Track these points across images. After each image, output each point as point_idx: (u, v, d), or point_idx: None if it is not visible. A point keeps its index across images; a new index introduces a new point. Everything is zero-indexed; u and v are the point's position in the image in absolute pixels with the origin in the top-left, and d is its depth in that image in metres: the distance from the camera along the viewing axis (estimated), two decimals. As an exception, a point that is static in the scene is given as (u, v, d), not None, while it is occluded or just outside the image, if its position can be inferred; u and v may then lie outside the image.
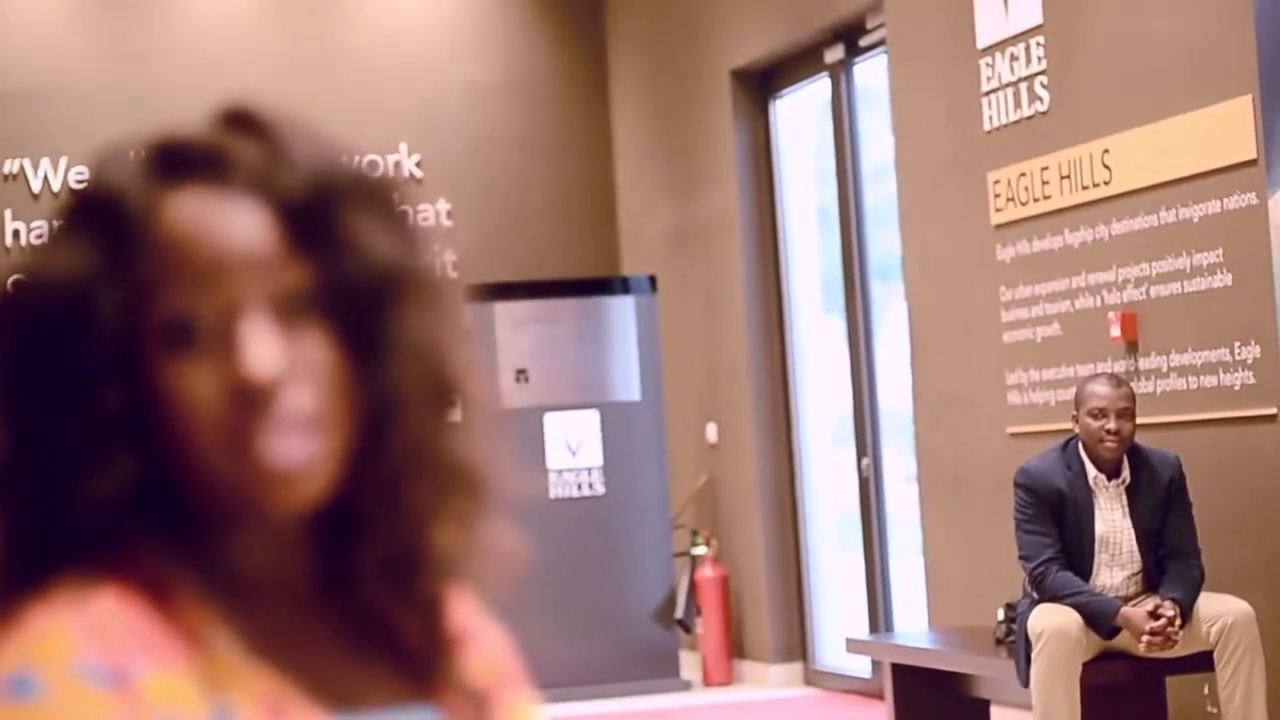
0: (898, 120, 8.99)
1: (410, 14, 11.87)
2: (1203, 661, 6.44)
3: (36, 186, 11.26)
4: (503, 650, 1.40)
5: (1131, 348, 7.43)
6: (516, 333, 10.55)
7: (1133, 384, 6.93)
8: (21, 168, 11.30)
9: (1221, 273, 6.98)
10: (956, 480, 8.57)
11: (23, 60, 11.29)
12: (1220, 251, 6.97)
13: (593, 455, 10.58)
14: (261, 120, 1.30)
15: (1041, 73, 7.91)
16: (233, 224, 1.25)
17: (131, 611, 1.22)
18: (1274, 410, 6.78)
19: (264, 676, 1.25)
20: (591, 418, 10.60)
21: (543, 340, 10.61)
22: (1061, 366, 7.82)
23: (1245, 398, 6.90)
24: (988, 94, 8.24)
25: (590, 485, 10.57)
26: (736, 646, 10.70)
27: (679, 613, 10.55)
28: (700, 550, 10.69)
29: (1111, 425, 6.55)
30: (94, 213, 1.27)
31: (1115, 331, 7.45)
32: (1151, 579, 6.62)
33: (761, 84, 10.67)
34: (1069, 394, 7.17)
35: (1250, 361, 6.88)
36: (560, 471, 10.52)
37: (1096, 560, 6.62)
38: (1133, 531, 6.62)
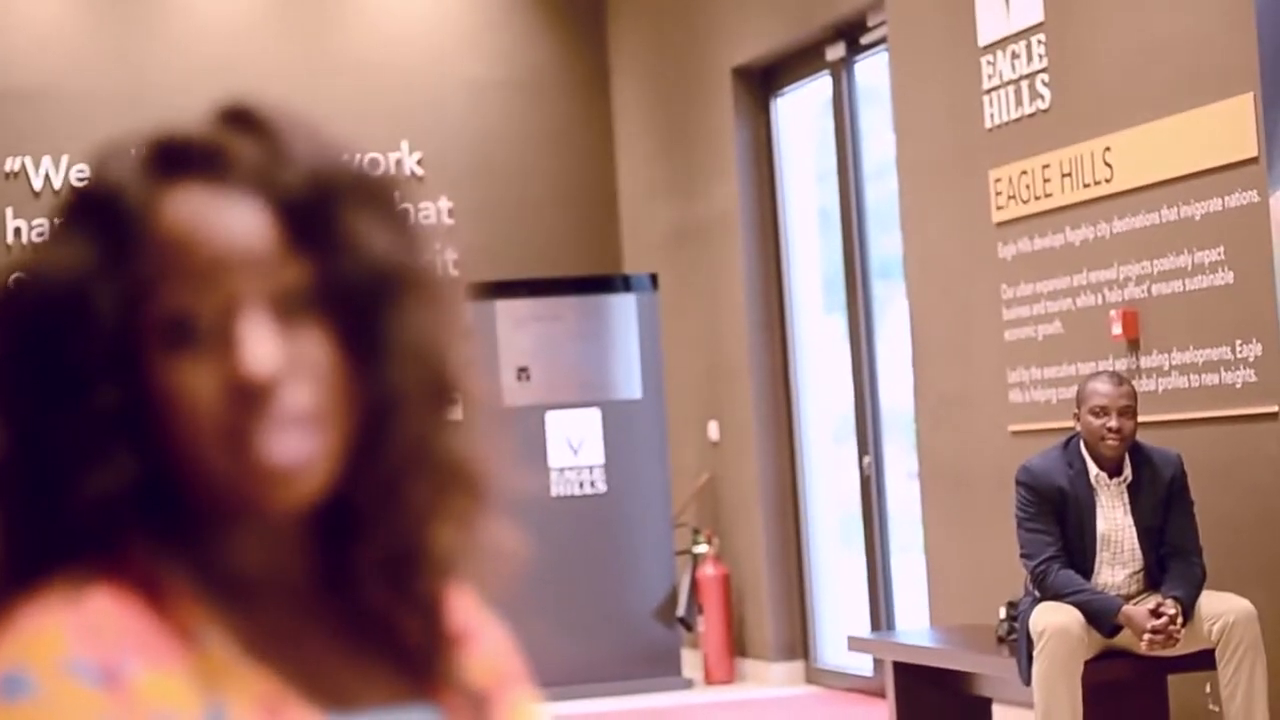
0: (899, 118, 8.99)
1: (412, 12, 11.87)
2: (1204, 660, 6.44)
3: (38, 184, 11.26)
4: (504, 649, 1.40)
5: (1133, 346, 7.42)
6: (518, 331, 10.55)
7: (1134, 382, 6.93)
8: (23, 166, 11.30)
9: (1223, 271, 6.98)
10: (958, 478, 8.57)
11: (24, 59, 11.29)
12: (1221, 249, 6.97)
13: (594, 454, 10.58)
14: (261, 118, 1.30)
15: (1043, 71, 7.90)
16: (231, 221, 1.25)
17: (126, 610, 1.22)
18: (1275, 408, 6.77)
19: (260, 676, 1.24)
20: (593, 416, 10.60)
21: (544, 338, 10.61)
22: (1063, 364, 7.82)
23: (1247, 396, 6.90)
24: (989, 92, 8.24)
25: (592, 484, 10.57)
26: (738, 645, 10.70)
27: (680, 611, 10.55)
28: (701, 548, 10.69)
29: (1113, 423, 6.55)
30: (93, 210, 1.26)
31: (1117, 329, 7.45)
32: (1153, 577, 6.62)
33: (763, 82, 10.66)
34: (1070, 392, 7.17)
35: (1252, 359, 6.88)
36: (562, 470, 10.52)
37: (1098, 559, 6.62)
38: (1134, 530, 6.61)
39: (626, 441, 10.60)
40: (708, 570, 10.62)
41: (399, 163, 11.65)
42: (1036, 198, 7.95)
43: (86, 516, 1.23)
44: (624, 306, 10.74)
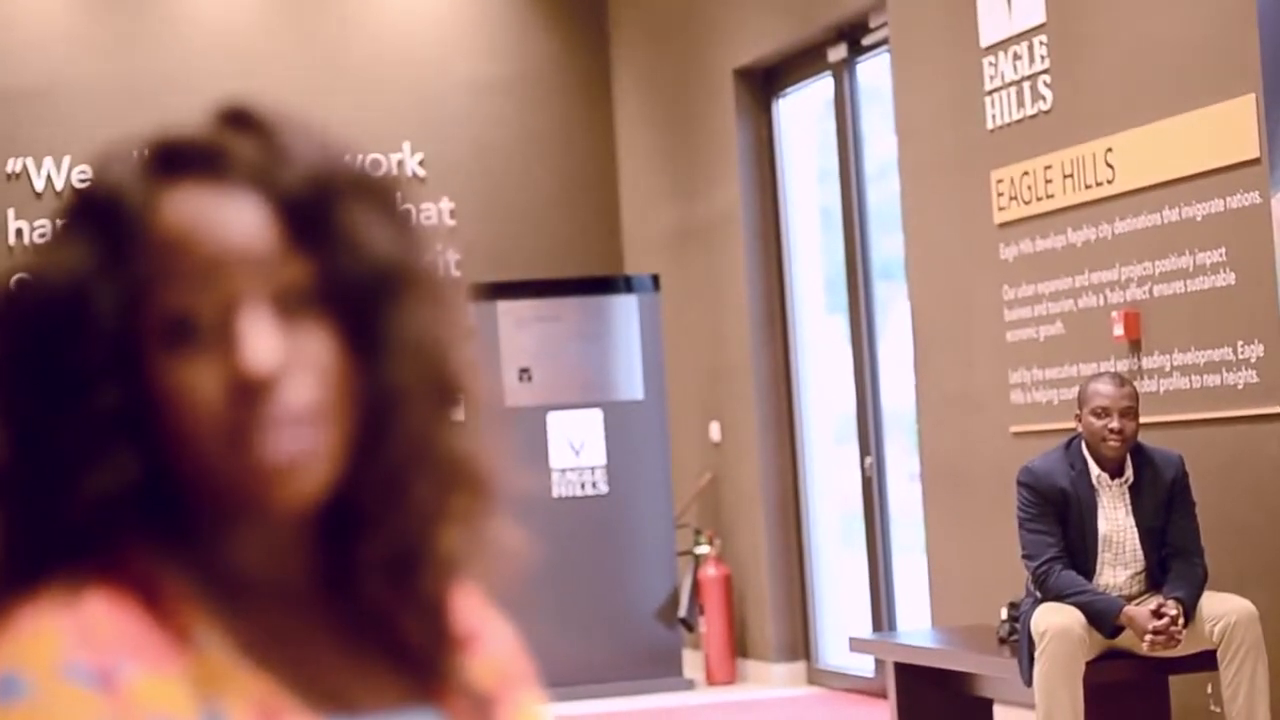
0: (900, 119, 8.99)
1: (413, 12, 11.87)
2: (1206, 661, 6.44)
3: (39, 185, 11.25)
4: (510, 650, 1.39)
5: (1134, 347, 7.42)
6: (519, 331, 10.55)
7: (1136, 383, 6.93)
8: (24, 167, 11.30)
9: (1224, 272, 6.98)
10: (960, 479, 8.57)
11: (25, 59, 11.29)
12: (1223, 250, 6.97)
13: (596, 454, 10.58)
14: (259, 118, 1.30)
15: (1044, 71, 7.90)
16: (231, 220, 1.25)
17: (123, 612, 1.22)
18: (1277, 409, 6.77)
19: (258, 680, 1.24)
20: (595, 417, 10.60)
21: (546, 339, 10.61)
22: (1064, 365, 7.82)
23: (1248, 397, 6.90)
24: (990, 93, 8.24)
25: (594, 484, 10.57)
26: (740, 645, 10.70)
27: (682, 612, 10.55)
28: (703, 549, 10.69)
29: (1115, 424, 6.55)
30: (92, 212, 1.27)
31: (1118, 330, 7.45)
32: (1155, 578, 6.62)
33: (764, 83, 10.66)
34: (1072, 393, 7.17)
35: (1253, 360, 6.88)
36: (563, 471, 10.52)
37: (1100, 559, 6.62)
38: (1136, 530, 6.61)
39: (628, 442, 10.60)
40: (709, 571, 10.61)
41: (400, 163, 11.65)
42: (1038, 198, 7.95)
43: (86, 517, 1.23)
44: (626, 307, 10.74)
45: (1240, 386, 6.94)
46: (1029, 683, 6.51)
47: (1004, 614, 7.25)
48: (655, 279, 10.90)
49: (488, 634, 1.38)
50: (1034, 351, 8.02)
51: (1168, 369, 7.27)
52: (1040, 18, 7.91)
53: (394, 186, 1.32)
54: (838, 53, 9.89)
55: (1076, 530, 6.61)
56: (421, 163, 11.76)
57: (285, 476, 1.23)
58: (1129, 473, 6.62)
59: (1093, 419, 6.59)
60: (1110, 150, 7.52)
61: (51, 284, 1.25)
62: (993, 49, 8.22)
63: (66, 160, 11.24)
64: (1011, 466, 7.06)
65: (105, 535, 1.24)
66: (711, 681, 10.58)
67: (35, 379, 1.24)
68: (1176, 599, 6.42)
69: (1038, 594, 6.59)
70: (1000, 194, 8.18)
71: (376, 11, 11.82)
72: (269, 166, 1.27)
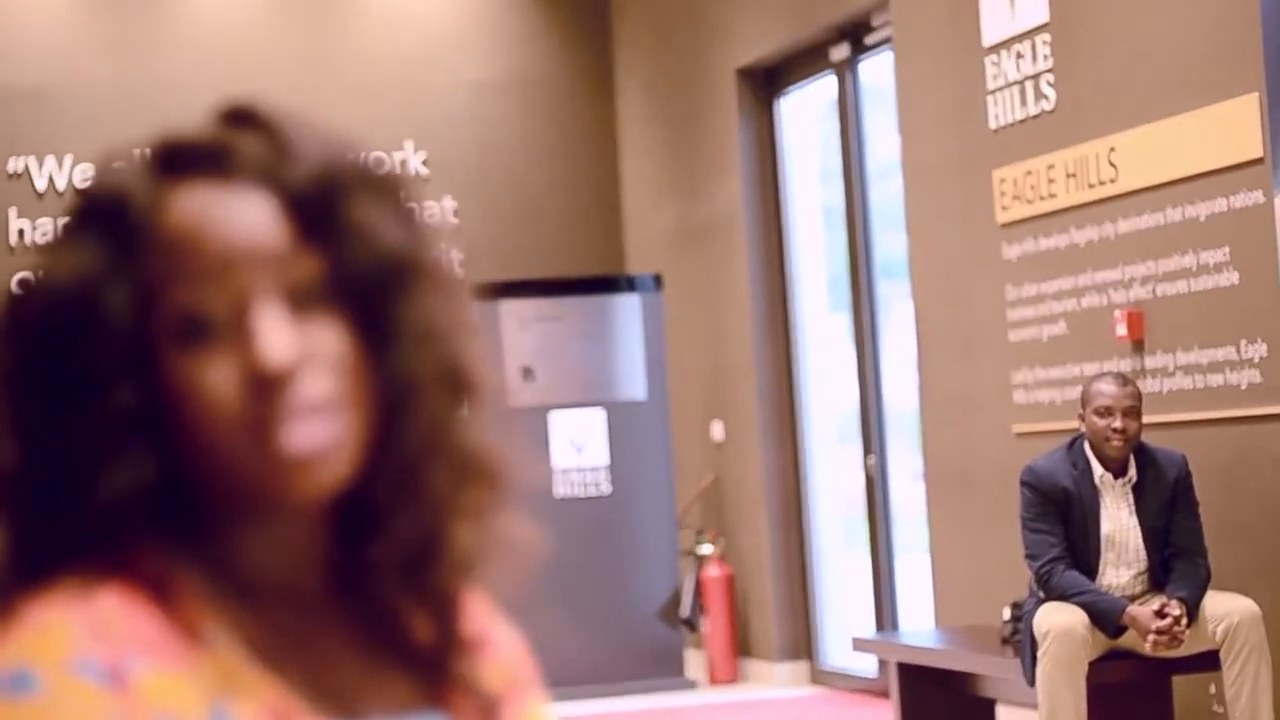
0: (903, 118, 8.99)
1: (416, 12, 11.87)
2: (1209, 661, 6.43)
3: (41, 185, 11.25)
4: (518, 654, 1.40)
5: (1138, 346, 7.42)
6: (522, 331, 10.55)
7: (1139, 383, 6.92)
8: (26, 166, 11.30)
9: (1228, 271, 6.97)
10: (962, 479, 8.56)
11: (27, 58, 11.29)
12: (1226, 250, 6.96)
13: (598, 454, 10.58)
14: (263, 116, 1.31)
15: (1047, 71, 7.90)
16: (240, 217, 1.26)
17: (134, 610, 1.22)
18: (1280, 409, 6.77)
19: (267, 681, 1.24)
20: (597, 416, 10.60)
21: (548, 339, 10.60)
22: (1067, 365, 7.81)
23: (1252, 396, 6.89)
24: (993, 92, 8.23)
25: (596, 484, 10.57)
26: (742, 645, 10.70)
27: (685, 612, 10.55)
28: (706, 549, 10.69)
29: (1118, 424, 6.55)
30: (98, 213, 1.27)
31: (1121, 330, 7.44)
32: (1158, 578, 6.61)
33: (767, 82, 10.66)
34: (1075, 393, 7.16)
35: (1257, 360, 6.87)
36: (566, 471, 10.51)
37: (1103, 559, 6.62)
38: (1139, 530, 6.61)
39: (631, 442, 10.60)
40: (712, 570, 10.61)
41: (403, 163, 11.65)
42: (1041, 198, 7.94)
43: (101, 516, 1.23)
44: (628, 307, 10.74)
45: (1243, 386, 6.93)
46: (1032, 683, 6.51)
47: (1007, 614, 7.24)
48: (658, 278, 10.90)
49: (496, 638, 1.38)
50: (1037, 351, 8.01)
51: (1171, 369, 7.26)
52: (1043, 17, 7.91)
53: (399, 181, 1.32)
54: (840, 52, 9.89)
55: (1079, 530, 6.60)
56: (424, 162, 11.76)
57: (305, 469, 1.24)
58: (1132, 472, 6.62)
59: (1096, 419, 6.59)
60: (1113, 150, 7.51)
61: (61, 286, 1.25)
62: (995, 48, 8.22)
63: (68, 159, 11.24)
64: (1014, 466, 7.06)
65: (118, 533, 1.24)
66: (714, 681, 10.58)
67: (49, 380, 1.24)
68: (1179, 599, 6.42)
69: (1040, 594, 6.58)
70: (1003, 193, 8.18)
71: (379, 11, 11.82)
72: (275, 163, 1.28)
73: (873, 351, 9.80)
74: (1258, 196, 6.80)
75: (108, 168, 1.29)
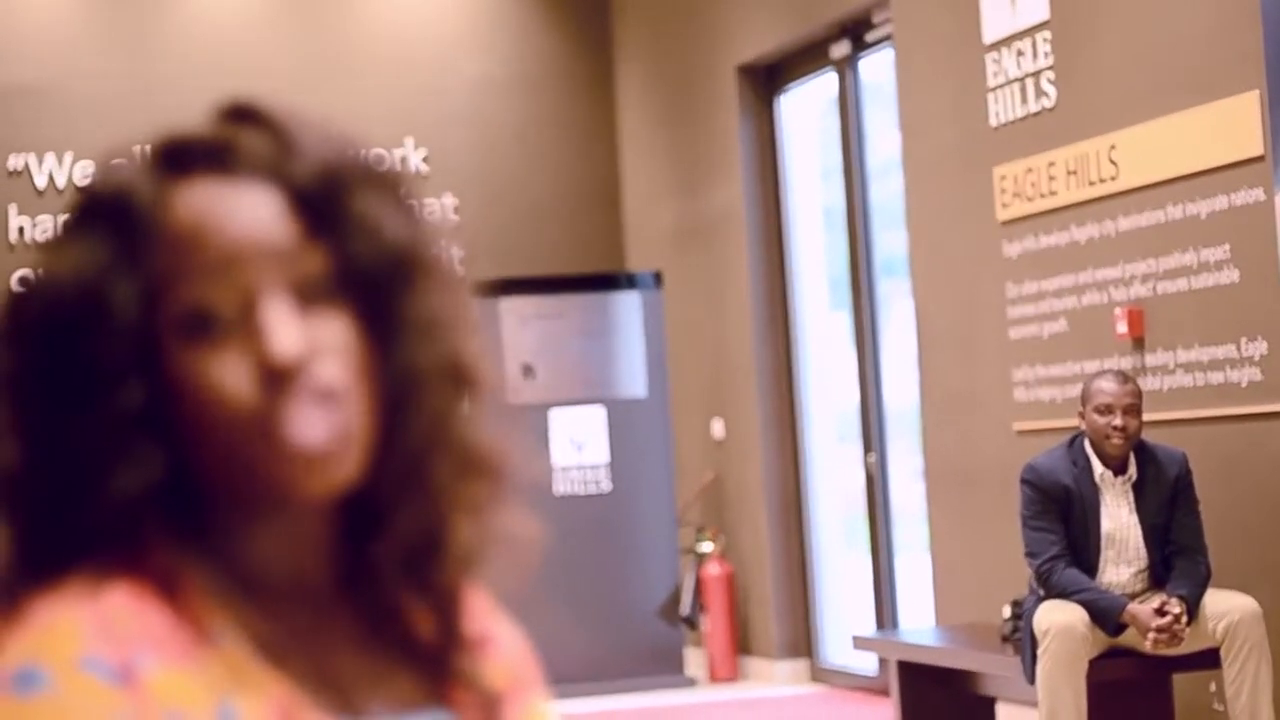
0: (904, 116, 8.98)
1: (416, 9, 11.86)
2: (1209, 659, 6.43)
3: (41, 182, 11.25)
4: (520, 653, 1.40)
5: (1138, 344, 7.42)
6: (522, 328, 10.54)
7: (1139, 380, 6.92)
8: (26, 163, 11.29)
9: (1228, 269, 6.97)
10: (963, 477, 8.56)
11: (27, 55, 11.29)
12: (1227, 247, 6.96)
13: (599, 452, 10.58)
14: (264, 112, 1.31)
15: (1048, 68, 7.89)
16: (246, 212, 1.26)
17: (143, 607, 1.22)
18: (1281, 407, 6.77)
19: (274, 678, 1.24)
20: (598, 414, 10.59)
21: (548, 336, 10.60)
22: (1068, 363, 7.81)
23: (1252, 394, 6.89)
24: (994, 89, 8.23)
25: (596, 482, 10.57)
26: (742, 643, 10.70)
27: (685, 610, 10.55)
28: (706, 547, 10.68)
29: (1118, 422, 6.54)
30: (103, 211, 1.27)
31: (1122, 328, 7.44)
32: (1158, 576, 6.61)
33: (767, 79, 10.66)
34: (1075, 390, 7.16)
35: (1257, 358, 6.87)
36: (566, 468, 10.51)
37: (1103, 557, 6.61)
38: (1139, 528, 6.61)
39: (631, 440, 10.60)
40: (712, 568, 10.61)
41: (404, 159, 11.64)
42: (1041, 195, 7.94)
43: (109, 514, 1.23)
44: (628, 304, 10.73)
45: (1244, 384, 6.93)
46: (1032, 681, 6.51)
47: (1007, 612, 7.24)
48: (658, 276, 10.89)
49: (498, 635, 1.39)
50: (1037, 349, 8.01)
51: (1171, 366, 7.26)
52: (1044, 14, 7.90)
53: (400, 177, 1.33)
54: (841, 49, 9.89)
55: (1079, 528, 6.60)
56: (425, 159, 11.76)
57: (316, 464, 1.24)
58: (1132, 470, 6.62)
59: (1096, 416, 6.58)
60: (1114, 147, 7.51)
61: (66, 283, 1.25)
62: (996, 45, 8.21)
63: (68, 157, 11.24)
64: (1014, 464, 7.05)
65: (126, 531, 1.24)
66: (714, 679, 10.58)
67: (55, 378, 1.24)
68: (1180, 597, 6.42)
69: (1041, 592, 6.58)
70: (1003, 191, 8.17)
71: (380, 8, 11.82)
72: (279, 159, 1.28)
73: (873, 349, 9.79)
74: (1258, 194, 6.80)
75: (110, 165, 1.29)
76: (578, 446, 10.56)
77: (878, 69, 9.78)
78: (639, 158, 11.93)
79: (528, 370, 10.50)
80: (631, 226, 12.06)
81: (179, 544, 1.26)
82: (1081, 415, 6.67)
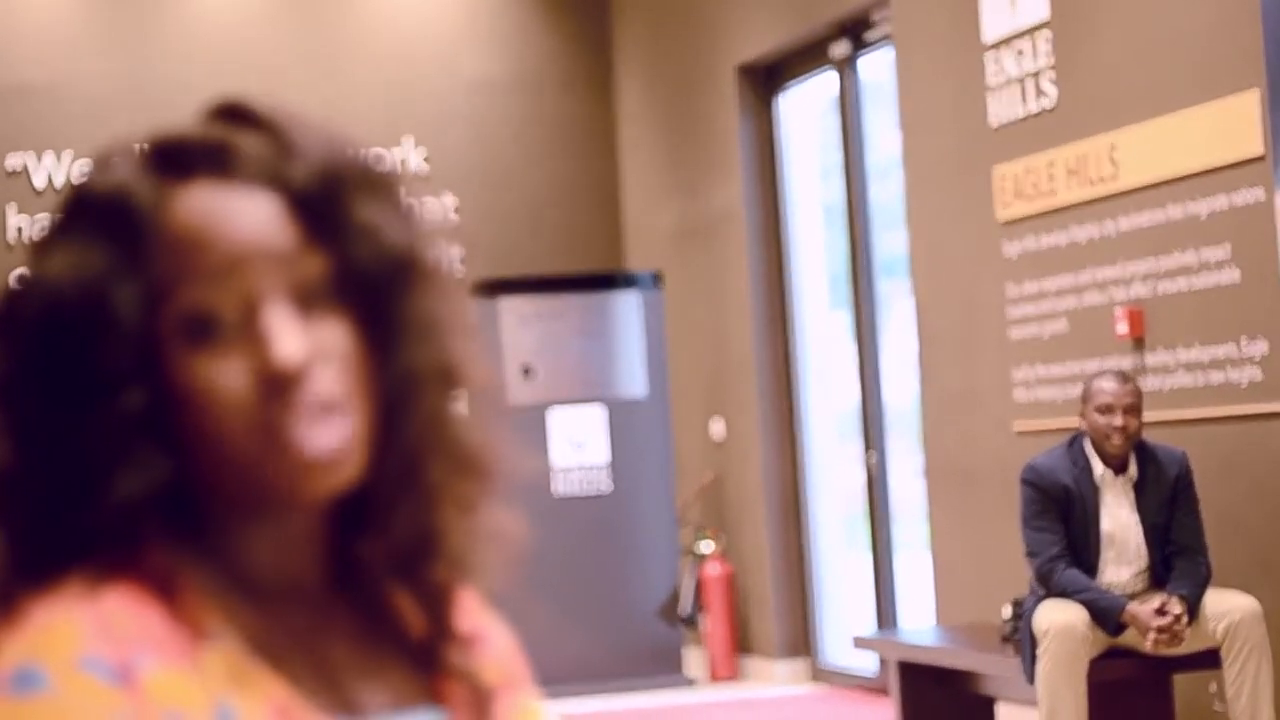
0: (904, 115, 8.98)
1: (416, 9, 11.86)
2: (1209, 659, 6.43)
3: (40, 182, 11.25)
4: (510, 652, 1.41)
5: (1138, 344, 7.41)
6: (522, 328, 10.54)
7: (1140, 380, 6.91)
8: (25, 163, 11.29)
9: (1228, 268, 6.97)
10: (963, 476, 8.56)
11: (26, 55, 11.28)
12: (1227, 247, 6.96)
13: (599, 452, 10.57)
14: (261, 114, 1.31)
15: (1048, 68, 7.89)
16: (247, 216, 1.26)
17: (140, 608, 1.22)
18: (1281, 406, 6.77)
19: (271, 678, 1.25)
20: (597, 414, 10.59)
21: (548, 336, 10.60)
22: (1068, 362, 7.81)
23: (1252, 394, 6.89)
24: (994, 89, 8.23)
25: (596, 482, 10.56)
26: (742, 643, 10.70)
27: (685, 609, 10.55)
28: (706, 547, 10.68)
29: (1118, 421, 6.54)
30: (101, 212, 1.26)
31: (1122, 327, 7.44)
32: (1158, 576, 6.61)
33: (767, 79, 10.65)
34: (1076, 390, 7.16)
35: (1257, 358, 6.86)
36: (566, 468, 10.51)
37: (1103, 557, 6.61)
38: (1140, 528, 6.60)
39: (631, 440, 10.59)
40: (712, 568, 10.61)
41: (403, 160, 11.64)
42: (1042, 195, 7.94)
43: (109, 517, 1.23)
44: (628, 304, 10.73)
45: (1244, 384, 6.93)
46: (1032, 681, 6.50)
47: (1007, 612, 7.23)
48: (658, 276, 10.89)
49: (489, 633, 1.39)
50: (1037, 348, 8.01)
51: (1171, 366, 7.25)
52: (1043, 14, 7.90)
53: (397, 178, 1.33)
54: (840, 49, 9.88)
55: (1080, 528, 6.60)
56: (425, 159, 11.76)
57: (319, 468, 1.24)
58: (1133, 470, 6.61)
59: (1096, 416, 6.58)
60: (1114, 147, 7.51)
61: (65, 285, 1.24)
62: (996, 45, 8.21)
63: (67, 156, 11.23)
64: (1015, 464, 7.05)
65: (124, 532, 1.24)
66: (714, 679, 10.57)
67: (55, 381, 1.24)
68: (1180, 597, 6.41)
69: (1041, 592, 6.57)
70: (1003, 190, 8.17)
71: (380, 8, 11.81)
72: (278, 162, 1.28)
73: (873, 349, 9.79)
74: (1259, 193, 6.80)
75: (105, 165, 1.28)
76: (577, 446, 10.56)
77: (877, 68, 9.78)
78: (638, 157, 11.93)
79: (527, 370, 10.50)
80: (631, 226, 12.06)
81: (176, 545, 1.26)
82: (1082, 415, 6.66)
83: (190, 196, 1.26)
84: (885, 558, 9.72)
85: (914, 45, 8.88)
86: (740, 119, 10.63)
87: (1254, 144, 6.79)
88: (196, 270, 1.24)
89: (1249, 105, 6.79)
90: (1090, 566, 6.58)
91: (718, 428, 10.95)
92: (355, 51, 11.72)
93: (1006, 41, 8.14)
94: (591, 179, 12.13)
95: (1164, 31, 7.21)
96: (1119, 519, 6.61)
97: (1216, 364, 7.04)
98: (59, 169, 11.24)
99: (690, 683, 10.50)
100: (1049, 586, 6.53)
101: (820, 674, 10.33)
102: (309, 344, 1.24)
